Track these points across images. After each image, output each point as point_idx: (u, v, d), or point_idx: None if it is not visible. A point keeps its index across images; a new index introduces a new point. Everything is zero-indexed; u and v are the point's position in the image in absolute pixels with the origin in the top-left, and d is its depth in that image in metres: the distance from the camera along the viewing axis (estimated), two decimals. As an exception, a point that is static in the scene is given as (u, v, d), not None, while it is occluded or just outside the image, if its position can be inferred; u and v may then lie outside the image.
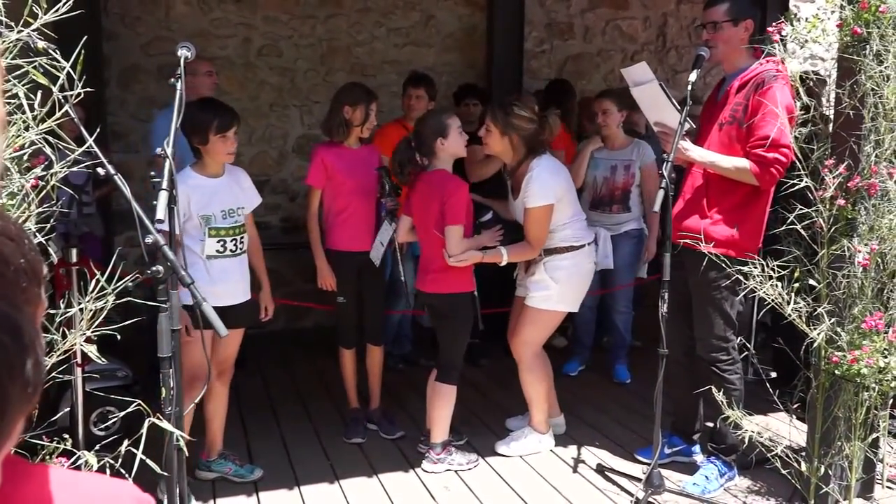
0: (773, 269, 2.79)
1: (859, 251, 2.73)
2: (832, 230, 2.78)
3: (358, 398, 3.83)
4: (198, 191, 2.90)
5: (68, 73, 1.74)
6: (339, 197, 3.57)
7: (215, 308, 2.85)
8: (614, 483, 3.26)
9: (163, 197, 1.90)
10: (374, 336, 3.76)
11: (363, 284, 3.67)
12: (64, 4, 1.74)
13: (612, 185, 4.51)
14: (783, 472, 2.94)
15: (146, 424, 1.76)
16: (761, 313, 3.88)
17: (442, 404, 3.38)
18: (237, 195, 3.04)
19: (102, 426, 3.33)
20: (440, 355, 3.43)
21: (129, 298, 1.92)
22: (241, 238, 3.03)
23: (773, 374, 4.20)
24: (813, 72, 4.15)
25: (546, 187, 3.34)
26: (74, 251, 3.12)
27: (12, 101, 1.71)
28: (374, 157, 3.67)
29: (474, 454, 3.46)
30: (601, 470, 3.38)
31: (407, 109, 4.44)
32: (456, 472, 3.35)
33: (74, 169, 1.89)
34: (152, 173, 1.99)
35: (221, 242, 2.95)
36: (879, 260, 2.77)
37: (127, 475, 1.37)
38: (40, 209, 1.79)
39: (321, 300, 4.71)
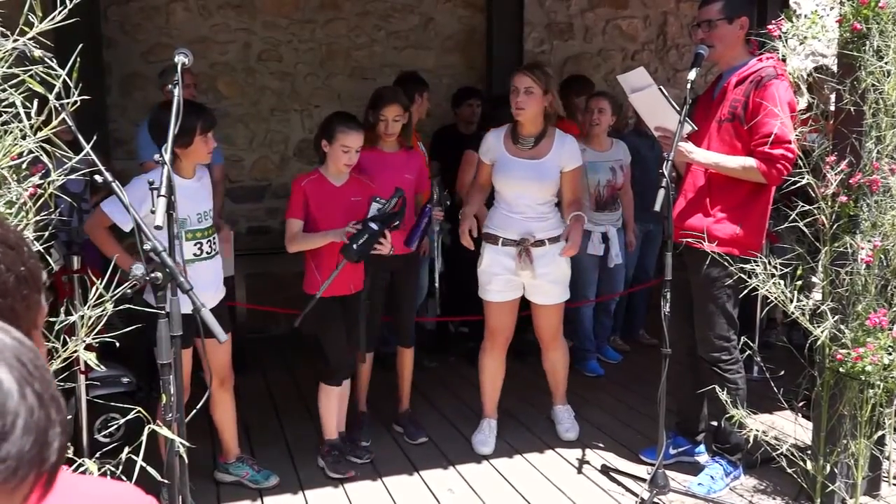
0: (775, 267, 2.77)
1: (862, 248, 2.72)
2: (834, 227, 2.77)
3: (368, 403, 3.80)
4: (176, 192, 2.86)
5: (65, 80, 1.73)
6: None
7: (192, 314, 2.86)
8: (619, 484, 3.25)
9: (161, 203, 1.90)
10: (405, 338, 3.74)
11: (396, 287, 3.64)
12: (59, 13, 1.74)
13: (613, 187, 4.58)
14: (789, 470, 2.93)
15: (146, 431, 1.75)
16: (764, 311, 3.86)
17: (320, 402, 3.36)
18: (207, 196, 3.03)
19: (105, 433, 3.33)
20: None
21: (128, 305, 1.92)
22: (213, 239, 3.02)
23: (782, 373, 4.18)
24: (821, 66, 4.15)
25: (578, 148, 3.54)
26: (76, 259, 3.12)
27: (9, 110, 1.71)
28: (414, 162, 3.60)
29: (349, 469, 3.32)
30: (606, 471, 3.37)
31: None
32: (459, 473, 3.34)
33: (72, 177, 1.88)
34: (150, 180, 1.99)
35: (198, 245, 2.94)
36: (882, 256, 2.76)
37: (128, 482, 1.37)
38: (38, 217, 1.79)
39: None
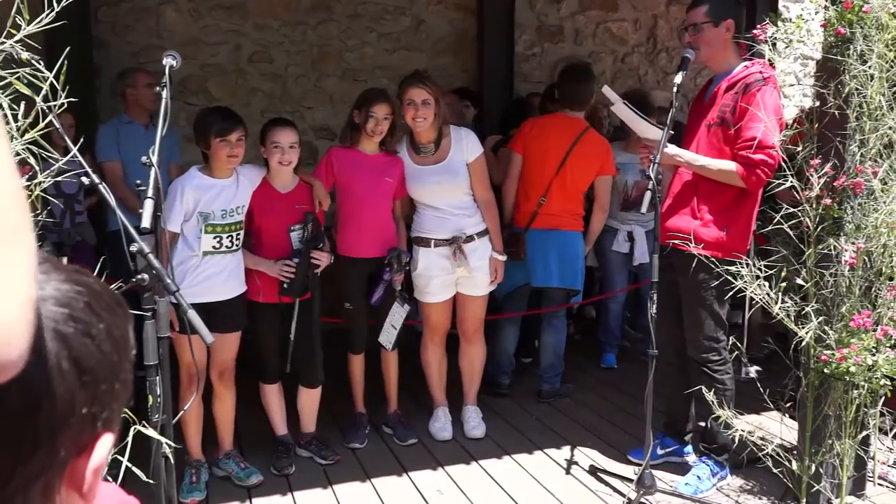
0: (760, 269, 2.80)
1: (846, 250, 2.75)
2: (819, 229, 2.80)
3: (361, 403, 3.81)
4: (200, 190, 3.01)
5: (52, 83, 1.74)
6: (346, 202, 3.54)
7: (204, 304, 2.89)
8: (607, 484, 3.27)
9: (148, 205, 1.91)
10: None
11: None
12: (47, 15, 1.75)
13: (641, 187, 4.60)
14: (775, 470, 2.95)
15: (132, 432, 1.76)
16: (750, 314, 3.89)
17: (263, 400, 3.45)
18: (237, 195, 3.12)
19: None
20: None
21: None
22: (238, 234, 3.12)
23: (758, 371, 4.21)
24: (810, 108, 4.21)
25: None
26: (65, 260, 3.13)
27: (-4, 112, 1.71)
28: (395, 167, 3.56)
29: (289, 465, 3.38)
30: (593, 471, 3.38)
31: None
32: (448, 474, 3.36)
33: (62, 178, 1.89)
34: (138, 181, 2.00)
35: (218, 239, 3.04)
36: (866, 258, 2.79)
37: (113, 482, 1.38)
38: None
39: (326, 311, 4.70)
